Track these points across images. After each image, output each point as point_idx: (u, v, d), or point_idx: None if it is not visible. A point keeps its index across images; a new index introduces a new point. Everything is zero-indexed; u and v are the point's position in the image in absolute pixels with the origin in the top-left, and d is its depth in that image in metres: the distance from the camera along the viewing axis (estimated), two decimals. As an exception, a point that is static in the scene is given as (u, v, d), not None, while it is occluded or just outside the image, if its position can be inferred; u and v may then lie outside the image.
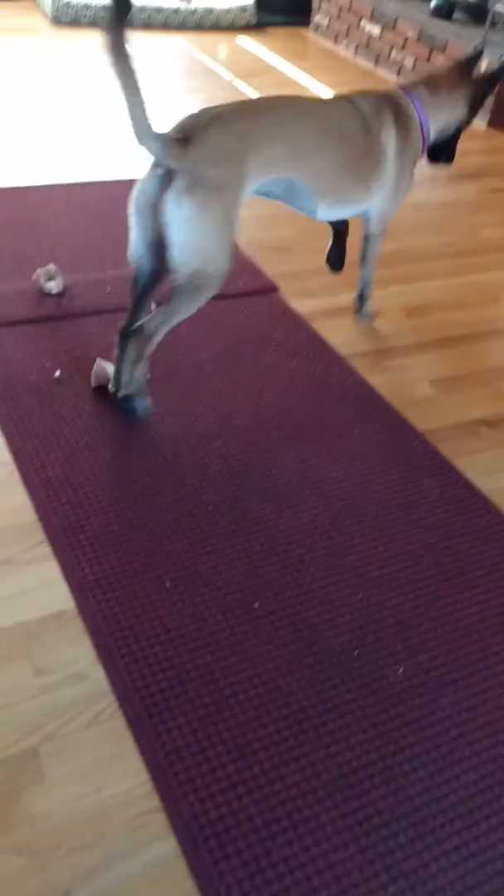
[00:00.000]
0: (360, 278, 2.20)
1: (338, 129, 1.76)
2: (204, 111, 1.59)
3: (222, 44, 4.58)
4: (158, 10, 4.61)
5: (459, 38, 4.01)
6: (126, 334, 1.70)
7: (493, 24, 4.03)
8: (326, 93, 3.99)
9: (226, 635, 1.36)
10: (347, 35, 4.67)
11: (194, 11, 4.69)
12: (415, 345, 2.20)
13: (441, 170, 3.27)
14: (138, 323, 1.68)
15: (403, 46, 4.28)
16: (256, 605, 1.41)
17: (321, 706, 1.27)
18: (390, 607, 1.44)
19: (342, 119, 1.78)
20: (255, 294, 2.30)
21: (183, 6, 4.66)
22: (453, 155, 2.12)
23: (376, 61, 4.48)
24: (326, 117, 1.77)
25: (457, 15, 4.31)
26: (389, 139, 1.85)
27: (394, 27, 4.30)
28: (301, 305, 2.29)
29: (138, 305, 1.74)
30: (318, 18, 4.91)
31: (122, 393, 1.76)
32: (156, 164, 1.54)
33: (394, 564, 1.52)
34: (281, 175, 1.71)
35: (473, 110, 2.04)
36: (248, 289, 2.31)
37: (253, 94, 3.86)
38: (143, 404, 1.78)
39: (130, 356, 1.70)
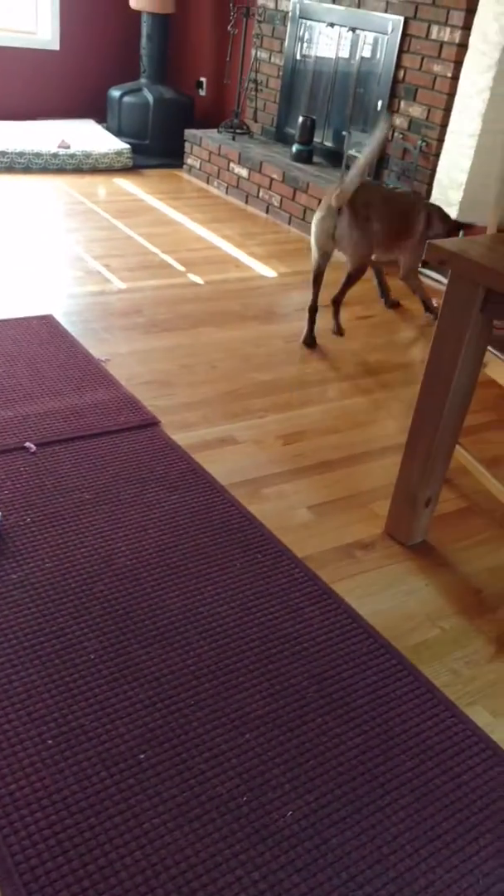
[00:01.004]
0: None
1: (398, 212, 3.17)
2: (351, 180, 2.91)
3: (100, 185, 4.82)
4: (38, 155, 4.83)
5: (319, 180, 4.38)
6: (314, 309, 3.10)
7: (348, 166, 4.42)
8: (200, 229, 4.24)
9: (111, 793, 1.32)
10: (218, 176, 5.02)
11: (73, 156, 4.93)
12: (292, 471, 2.29)
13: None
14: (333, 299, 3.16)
15: (270, 186, 4.62)
16: (142, 756, 1.39)
17: (210, 861, 1.24)
18: (277, 746, 1.44)
19: (403, 207, 3.21)
20: (137, 429, 2.36)
21: (62, 151, 4.90)
22: None
23: (246, 200, 4.81)
24: (396, 206, 3.17)
25: (316, 159, 4.72)
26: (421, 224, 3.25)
27: (260, 170, 4.65)
28: (181, 438, 2.36)
29: (317, 289, 3.11)
30: (191, 161, 5.25)
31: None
32: (331, 208, 2.96)
33: (279, 700, 1.53)
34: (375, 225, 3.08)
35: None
36: (128, 424, 2.36)
37: (130, 232, 4.06)
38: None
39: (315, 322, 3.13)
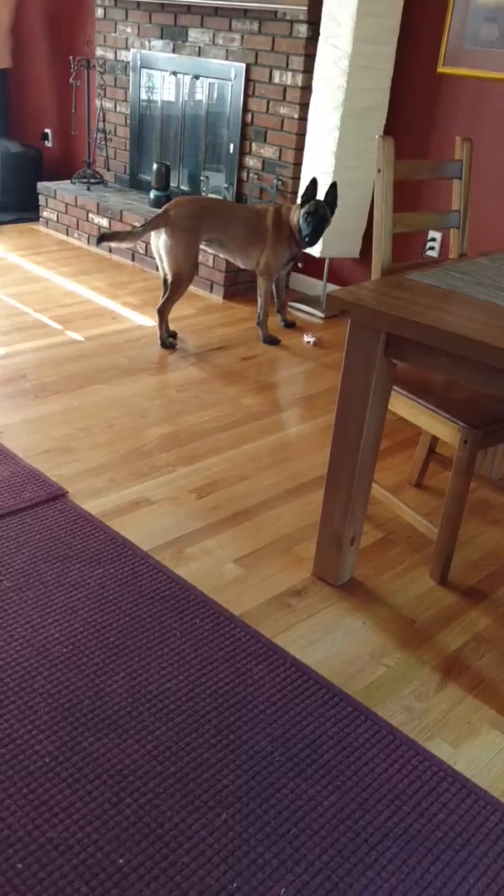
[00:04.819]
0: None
1: (244, 218, 3.52)
2: (178, 200, 3.41)
3: (-44, 246, 4.64)
4: None
5: (183, 225, 4.41)
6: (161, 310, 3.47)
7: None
8: (69, 283, 4.17)
9: (95, 908, 1.25)
10: (78, 227, 4.96)
11: None
12: (212, 525, 2.27)
13: (193, 347, 3.51)
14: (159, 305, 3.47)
15: (133, 234, 4.61)
16: (121, 861, 1.32)
17: None
18: (255, 820, 1.41)
19: (248, 214, 3.53)
20: (44, 503, 2.27)
21: None
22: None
23: (110, 249, 4.78)
24: (238, 212, 3.53)
25: (176, 204, 4.76)
26: (269, 229, 3.52)
27: (121, 218, 4.64)
28: (93, 506, 2.29)
29: (165, 289, 3.47)
30: (47, 214, 5.17)
31: None
32: (156, 230, 3.37)
33: (247, 770, 1.50)
34: (213, 235, 3.48)
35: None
36: (35, 499, 2.27)
37: (-3, 293, 3.94)
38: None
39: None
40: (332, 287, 4.34)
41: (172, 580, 2.00)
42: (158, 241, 3.38)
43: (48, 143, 5.76)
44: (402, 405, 2.13)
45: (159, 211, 3.44)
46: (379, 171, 2.07)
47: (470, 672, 1.82)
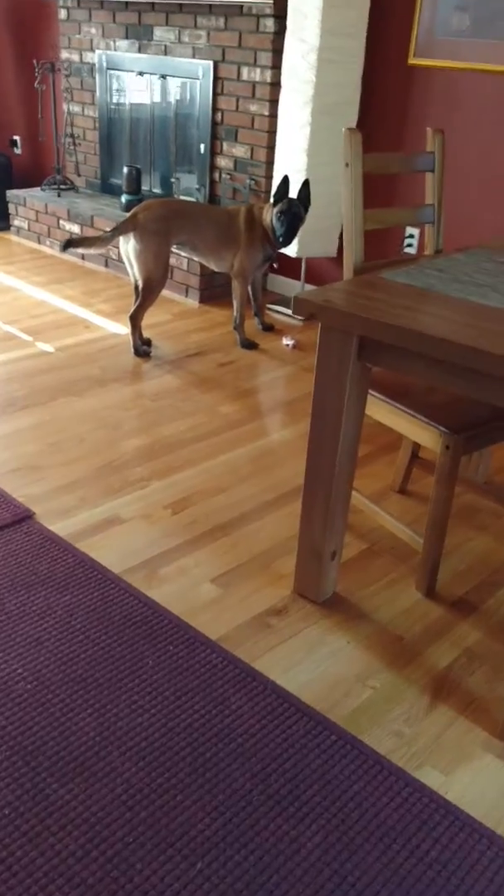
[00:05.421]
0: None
1: (215, 220, 3.39)
2: (146, 203, 3.30)
3: None
4: None
5: (155, 229, 4.30)
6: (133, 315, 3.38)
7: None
8: (41, 293, 4.06)
9: None
10: (49, 234, 4.84)
11: None
12: (187, 543, 2.17)
13: (168, 354, 3.41)
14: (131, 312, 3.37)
15: (105, 240, 4.50)
16: (86, 922, 1.21)
17: None
18: (233, 869, 1.31)
19: (219, 215, 3.42)
20: (10, 526, 2.16)
21: None
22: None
23: (83, 257, 4.67)
24: (209, 214, 3.41)
25: (148, 207, 4.65)
26: (242, 230, 3.40)
27: (92, 224, 4.53)
28: (62, 527, 2.18)
29: (136, 296, 3.34)
30: (18, 222, 5.05)
31: None
32: (125, 235, 3.25)
33: (224, 812, 1.40)
34: (183, 238, 3.35)
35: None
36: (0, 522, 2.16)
37: (-35, 305, 3.82)
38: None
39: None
40: (310, 287, 4.24)
41: (145, 604, 1.90)
42: (127, 247, 3.28)
43: (17, 151, 5.64)
44: (381, 410, 2.04)
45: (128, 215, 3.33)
46: (347, 165, 1.97)
47: (460, 691, 1.73)
